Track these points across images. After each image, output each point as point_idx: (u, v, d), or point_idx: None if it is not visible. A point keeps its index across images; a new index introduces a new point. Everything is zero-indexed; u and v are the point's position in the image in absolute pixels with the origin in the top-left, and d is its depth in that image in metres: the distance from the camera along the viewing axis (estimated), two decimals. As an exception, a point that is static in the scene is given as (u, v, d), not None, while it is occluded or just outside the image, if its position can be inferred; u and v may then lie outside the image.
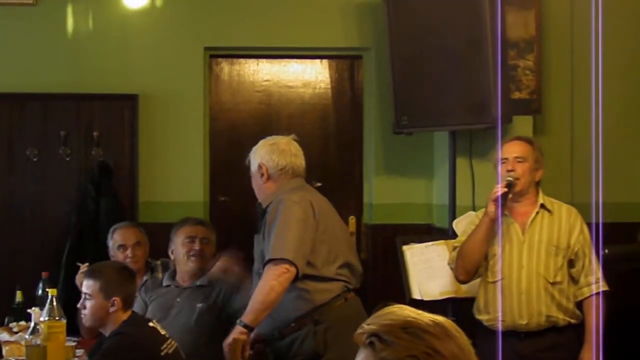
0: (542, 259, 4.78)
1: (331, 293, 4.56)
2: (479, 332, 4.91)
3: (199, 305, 5.10)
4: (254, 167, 4.77)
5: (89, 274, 4.33)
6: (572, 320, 4.83)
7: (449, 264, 5.06)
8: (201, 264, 5.23)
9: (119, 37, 6.53)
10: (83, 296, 4.28)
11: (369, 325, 1.87)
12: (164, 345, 4.22)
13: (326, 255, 4.56)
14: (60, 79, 6.46)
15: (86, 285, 4.26)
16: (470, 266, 4.94)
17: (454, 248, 5.02)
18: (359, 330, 1.88)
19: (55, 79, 6.46)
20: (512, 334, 4.80)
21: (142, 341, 4.20)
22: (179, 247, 5.28)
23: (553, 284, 4.77)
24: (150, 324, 4.39)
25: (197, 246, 5.24)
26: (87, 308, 4.24)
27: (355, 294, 4.68)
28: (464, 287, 5.33)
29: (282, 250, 4.41)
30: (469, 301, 5.41)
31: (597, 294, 4.77)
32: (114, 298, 4.21)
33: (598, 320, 4.73)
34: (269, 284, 4.38)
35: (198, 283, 5.20)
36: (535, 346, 4.76)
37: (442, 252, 5.44)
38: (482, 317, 4.92)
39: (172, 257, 5.35)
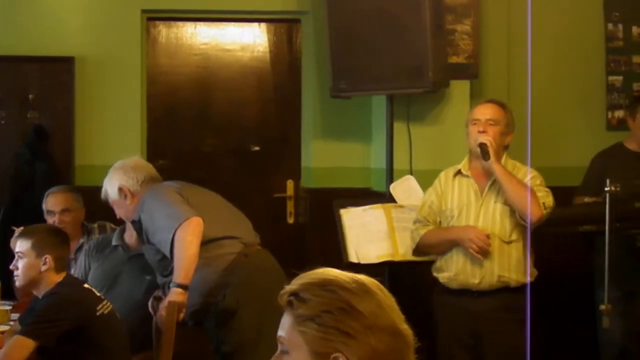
0: (497, 219, 4.84)
1: (231, 255, 4.68)
2: (436, 290, 5.03)
3: (148, 277, 5.00)
4: (113, 195, 4.91)
5: (21, 235, 4.38)
6: (526, 280, 4.88)
7: (412, 238, 5.09)
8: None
9: (54, -1, 6.45)
10: (16, 256, 4.29)
11: (290, 286, 1.92)
12: (100, 306, 4.23)
13: (209, 224, 4.64)
14: (-6, 41, 6.36)
15: (18, 245, 4.30)
16: (426, 255, 5.11)
17: (416, 221, 5.06)
18: (281, 292, 1.92)
19: (-11, 41, 6.36)
20: (466, 293, 4.89)
21: (76, 301, 4.20)
22: None
23: (509, 242, 4.84)
24: (85, 285, 4.40)
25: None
26: (20, 268, 4.26)
27: (261, 248, 4.82)
28: (400, 250, 5.37)
29: (179, 215, 4.54)
30: (406, 265, 5.46)
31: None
32: (45, 256, 4.22)
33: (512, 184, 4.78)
34: (186, 239, 4.48)
35: None
36: (487, 305, 4.82)
37: (379, 216, 5.47)
38: (439, 275, 5.00)
39: None
